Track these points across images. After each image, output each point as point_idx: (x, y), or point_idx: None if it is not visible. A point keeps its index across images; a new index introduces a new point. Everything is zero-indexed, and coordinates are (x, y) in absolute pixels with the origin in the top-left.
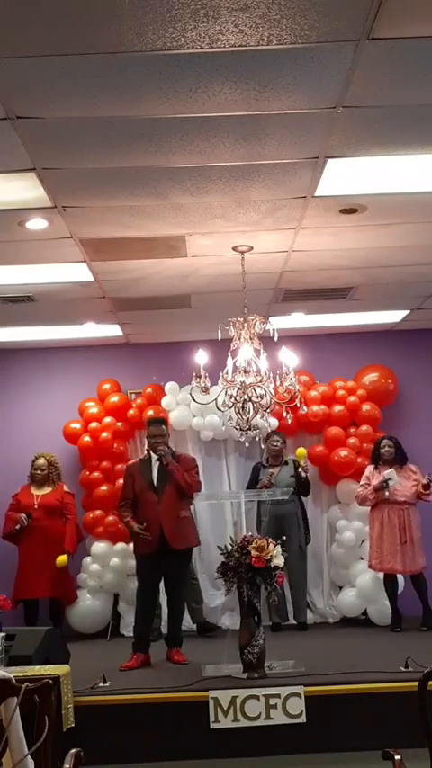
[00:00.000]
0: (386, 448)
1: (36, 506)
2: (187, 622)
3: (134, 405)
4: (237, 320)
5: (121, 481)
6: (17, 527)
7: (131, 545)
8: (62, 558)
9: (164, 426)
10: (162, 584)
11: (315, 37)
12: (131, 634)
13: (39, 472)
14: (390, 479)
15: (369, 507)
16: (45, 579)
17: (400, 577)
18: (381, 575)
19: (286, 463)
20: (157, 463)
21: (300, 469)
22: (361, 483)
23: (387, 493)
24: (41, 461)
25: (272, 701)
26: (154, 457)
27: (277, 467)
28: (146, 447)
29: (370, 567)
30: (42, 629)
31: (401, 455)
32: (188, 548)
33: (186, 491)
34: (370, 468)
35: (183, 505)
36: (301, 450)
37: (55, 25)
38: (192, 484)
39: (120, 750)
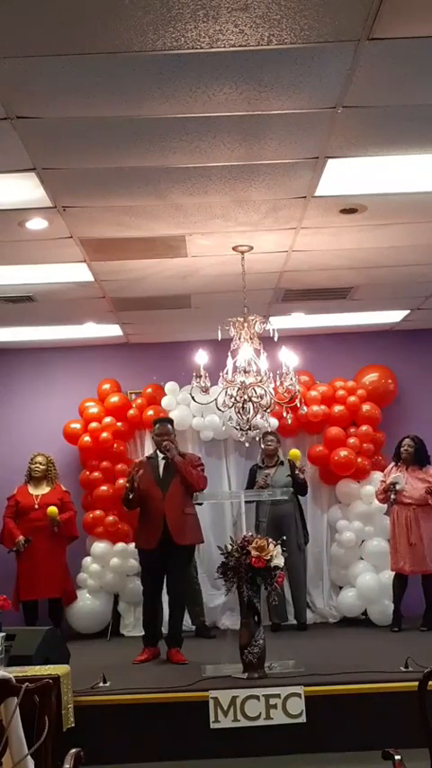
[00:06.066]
0: (405, 447)
1: (37, 506)
2: (186, 622)
3: (134, 405)
4: (237, 320)
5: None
6: (14, 549)
7: (132, 544)
8: (52, 509)
9: (170, 426)
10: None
11: (315, 37)
12: (131, 634)
13: (38, 466)
14: (396, 483)
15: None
16: (46, 580)
17: None
18: (390, 574)
19: (282, 463)
20: (164, 461)
21: (297, 471)
22: (381, 479)
23: (393, 496)
24: (40, 458)
25: (272, 701)
26: (160, 455)
27: (273, 467)
28: (153, 446)
29: (391, 568)
30: (42, 629)
31: (422, 456)
32: (191, 544)
33: (193, 484)
34: (390, 465)
35: (188, 502)
36: (295, 452)
37: (55, 25)
38: (198, 478)
39: (120, 750)
